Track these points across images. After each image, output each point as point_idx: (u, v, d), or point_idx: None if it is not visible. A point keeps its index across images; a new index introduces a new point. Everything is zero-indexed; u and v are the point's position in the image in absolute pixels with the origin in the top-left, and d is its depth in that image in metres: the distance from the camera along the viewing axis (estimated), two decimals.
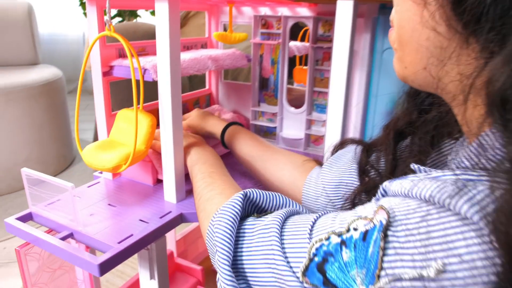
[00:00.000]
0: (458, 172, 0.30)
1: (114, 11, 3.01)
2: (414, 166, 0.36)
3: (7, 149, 1.79)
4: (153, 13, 3.10)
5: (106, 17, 0.62)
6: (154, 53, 0.71)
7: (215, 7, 1.00)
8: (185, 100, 1.00)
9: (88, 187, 0.76)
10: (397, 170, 0.51)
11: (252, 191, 0.46)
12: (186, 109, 1.01)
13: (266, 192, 0.46)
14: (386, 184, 0.34)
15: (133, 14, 3.16)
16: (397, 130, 0.52)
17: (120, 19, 3.22)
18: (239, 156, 0.75)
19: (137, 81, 0.64)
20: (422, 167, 0.35)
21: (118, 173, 0.80)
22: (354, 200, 0.54)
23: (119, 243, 0.58)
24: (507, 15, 0.29)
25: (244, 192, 0.45)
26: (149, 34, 1.68)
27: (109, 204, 0.69)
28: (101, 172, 0.80)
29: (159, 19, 0.61)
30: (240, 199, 0.43)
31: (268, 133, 1.05)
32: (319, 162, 0.67)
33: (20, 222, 0.63)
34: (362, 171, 0.56)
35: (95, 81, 0.74)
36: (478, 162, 0.32)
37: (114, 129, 0.70)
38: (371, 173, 0.55)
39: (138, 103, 0.65)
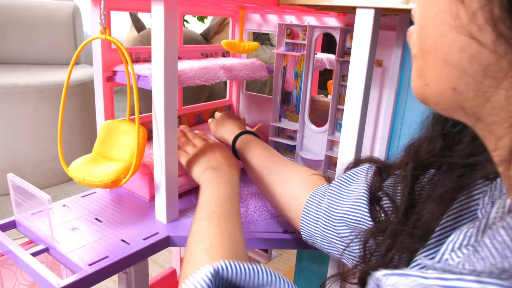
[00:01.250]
0: (483, 277, 0.20)
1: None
2: (424, 261, 0.28)
3: (37, 147, 1.83)
4: (200, 19, 3.11)
5: (101, 21, 0.58)
6: None
7: (238, 13, 0.95)
8: (201, 110, 0.95)
9: (82, 197, 0.72)
10: (413, 211, 0.42)
11: (228, 266, 0.34)
12: (201, 120, 0.96)
13: (248, 266, 0.35)
14: (379, 277, 0.25)
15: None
16: (418, 161, 0.42)
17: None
18: (247, 166, 0.69)
19: (138, 89, 0.59)
20: (434, 264, 0.26)
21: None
22: (366, 243, 0.46)
23: (90, 265, 0.52)
24: None
25: (215, 268, 0.34)
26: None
27: (96, 219, 0.65)
28: None
29: (154, 23, 0.56)
30: (208, 280, 0.33)
31: (287, 151, 0.97)
32: (328, 178, 0.59)
33: None
34: (373, 199, 0.47)
35: (96, 86, 0.70)
36: None
37: (99, 142, 0.66)
38: (384, 202, 0.46)
39: (134, 112, 0.60)
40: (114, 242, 0.58)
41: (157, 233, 0.61)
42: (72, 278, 0.50)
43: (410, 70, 0.72)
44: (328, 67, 1.05)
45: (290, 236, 0.63)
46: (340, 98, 0.87)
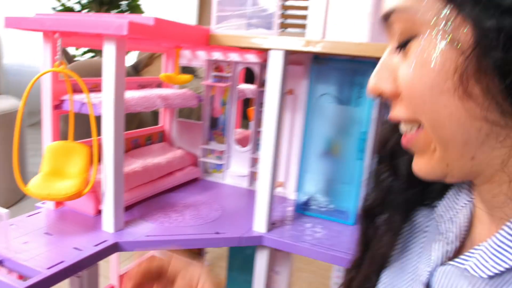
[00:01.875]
0: None
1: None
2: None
3: None
4: None
5: (58, 56, 0.67)
6: None
7: (173, 50, 1.08)
8: (137, 136, 1.04)
9: (28, 216, 0.77)
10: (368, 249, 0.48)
11: None
12: (138, 144, 1.06)
13: None
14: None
15: None
16: (370, 207, 0.48)
17: (92, 54, 3.27)
18: None
19: (83, 115, 0.68)
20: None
21: (61, 203, 0.82)
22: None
23: (48, 269, 0.60)
24: None
25: None
26: None
27: (45, 233, 0.71)
28: (43, 203, 0.82)
29: (106, 58, 0.66)
30: None
31: (216, 170, 1.10)
32: None
33: None
34: None
35: (44, 113, 0.78)
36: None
37: (47, 162, 0.73)
38: None
39: (93, 136, 0.69)
40: (67, 250, 0.66)
41: (106, 240, 0.70)
42: (33, 280, 0.57)
43: (315, 96, 0.88)
44: (250, 95, 1.21)
45: (221, 236, 0.75)
46: (260, 122, 1.03)
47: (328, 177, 0.94)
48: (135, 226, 0.76)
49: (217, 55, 1.06)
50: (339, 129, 0.91)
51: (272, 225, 0.82)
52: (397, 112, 0.36)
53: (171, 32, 0.70)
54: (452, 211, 0.40)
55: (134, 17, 0.63)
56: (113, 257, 1.09)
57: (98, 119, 0.71)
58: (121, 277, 1.11)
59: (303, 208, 0.92)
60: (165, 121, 1.13)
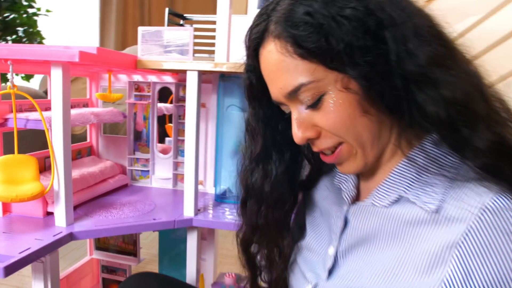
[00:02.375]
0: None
1: None
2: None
3: None
4: (27, 77, 3.09)
5: (10, 79, 0.80)
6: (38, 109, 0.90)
7: (96, 74, 1.23)
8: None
9: None
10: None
11: None
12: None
13: None
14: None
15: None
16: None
17: None
18: None
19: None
20: None
21: (7, 210, 0.93)
22: None
23: (20, 253, 0.73)
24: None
25: None
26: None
27: (3, 232, 0.83)
28: None
29: (54, 81, 0.81)
30: None
31: (142, 177, 1.26)
32: None
33: None
34: None
35: None
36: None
37: (1, 173, 0.84)
38: None
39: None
40: (30, 240, 0.78)
41: (61, 232, 0.83)
42: (10, 260, 0.69)
43: (223, 107, 1.11)
44: (165, 112, 1.40)
45: (158, 221, 0.93)
46: (179, 132, 1.23)
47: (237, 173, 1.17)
48: (83, 221, 0.90)
49: (137, 78, 1.24)
50: (244, 132, 1.15)
51: (198, 211, 1.02)
52: (323, 144, 0.52)
53: (108, 59, 0.87)
54: (345, 175, 0.61)
55: (80, 48, 0.80)
56: None
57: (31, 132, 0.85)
58: (62, 281, 1.20)
59: (221, 198, 1.14)
60: (92, 137, 1.26)
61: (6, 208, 0.93)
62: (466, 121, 0.44)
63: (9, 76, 0.81)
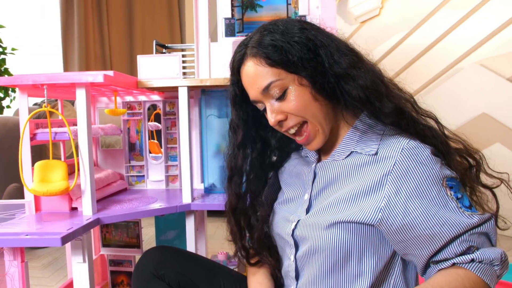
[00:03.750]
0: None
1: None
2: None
3: None
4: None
5: (45, 100, 1.03)
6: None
7: (93, 97, 1.46)
8: (72, 163, 1.37)
9: (19, 219, 1.07)
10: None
11: None
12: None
13: None
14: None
15: None
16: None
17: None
18: None
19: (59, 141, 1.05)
20: None
21: (38, 208, 1.13)
22: None
23: (67, 230, 0.94)
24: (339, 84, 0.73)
25: None
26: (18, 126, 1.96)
27: (45, 221, 1.03)
28: (23, 212, 1.12)
29: (79, 100, 1.05)
30: None
31: (138, 182, 1.49)
32: None
33: None
34: None
35: (24, 144, 1.10)
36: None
37: (37, 173, 1.06)
38: None
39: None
40: (69, 224, 1.00)
41: (90, 218, 1.05)
42: (64, 233, 0.91)
43: (205, 116, 1.38)
44: (150, 129, 1.64)
45: (164, 207, 1.17)
46: (168, 141, 1.47)
47: (221, 169, 1.42)
48: (104, 211, 1.12)
49: (129, 98, 1.48)
50: (223, 135, 1.42)
51: (193, 199, 1.26)
52: (289, 123, 0.76)
53: (120, 80, 1.12)
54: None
55: (100, 72, 1.04)
56: None
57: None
58: None
59: (209, 190, 1.39)
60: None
61: (37, 207, 1.13)
62: (376, 97, 0.74)
63: (43, 99, 1.04)
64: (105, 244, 1.45)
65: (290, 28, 0.75)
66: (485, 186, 0.79)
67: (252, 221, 0.92)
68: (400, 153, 0.70)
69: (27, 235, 0.93)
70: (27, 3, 3.60)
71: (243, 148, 0.89)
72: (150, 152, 1.64)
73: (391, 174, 0.70)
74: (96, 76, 1.01)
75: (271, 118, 0.77)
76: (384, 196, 0.69)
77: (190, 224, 1.25)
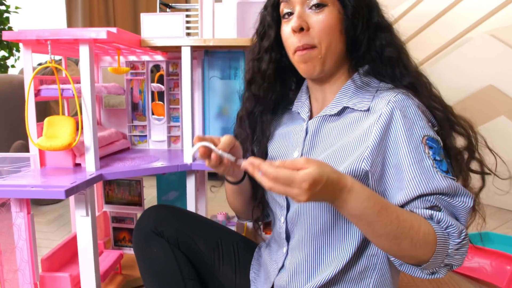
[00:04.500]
0: None
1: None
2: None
3: None
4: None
5: (50, 56, 1.03)
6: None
7: (96, 56, 1.46)
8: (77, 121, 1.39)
9: (25, 172, 1.10)
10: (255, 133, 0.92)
11: None
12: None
13: None
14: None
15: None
16: (248, 113, 0.92)
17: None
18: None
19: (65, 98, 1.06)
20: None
21: (43, 164, 1.15)
22: None
23: (71, 183, 0.97)
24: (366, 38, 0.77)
25: None
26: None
27: (50, 175, 1.06)
28: (28, 165, 1.14)
29: (82, 56, 1.05)
30: None
31: (140, 141, 1.51)
32: None
33: None
34: None
35: (30, 100, 1.11)
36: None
37: (46, 128, 1.08)
38: None
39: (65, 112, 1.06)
40: (73, 178, 1.02)
41: (93, 173, 1.08)
42: (67, 186, 0.93)
43: (208, 78, 1.38)
44: (152, 89, 1.64)
45: (166, 165, 1.19)
46: (170, 101, 1.48)
47: (222, 131, 1.44)
48: (106, 168, 1.15)
49: (132, 58, 1.48)
50: (225, 97, 1.42)
51: (194, 159, 1.28)
52: (305, 40, 0.75)
53: (123, 38, 1.12)
54: (301, 101, 0.88)
55: (104, 29, 1.04)
56: None
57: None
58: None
59: None
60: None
61: (42, 162, 1.15)
62: (401, 63, 0.78)
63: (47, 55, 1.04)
64: (108, 201, 1.48)
65: None
66: (474, 171, 0.78)
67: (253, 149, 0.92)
68: (387, 105, 0.71)
69: (32, 187, 0.96)
70: None
71: (270, 52, 0.86)
72: (153, 114, 1.66)
73: (376, 125, 0.71)
74: (99, 32, 1.01)
75: (296, 21, 0.75)
76: (368, 146, 0.70)
77: (190, 184, 1.28)
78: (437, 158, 0.68)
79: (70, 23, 3.63)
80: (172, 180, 1.63)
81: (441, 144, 0.71)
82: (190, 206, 1.29)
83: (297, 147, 0.83)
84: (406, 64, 0.79)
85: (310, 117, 0.85)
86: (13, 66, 3.23)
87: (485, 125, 2.29)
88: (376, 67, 0.78)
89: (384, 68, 0.78)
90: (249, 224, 1.43)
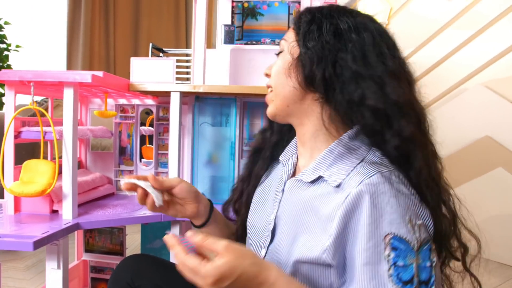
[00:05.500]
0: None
1: None
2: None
3: None
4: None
5: (32, 98, 1.00)
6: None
7: (85, 98, 1.43)
8: (61, 164, 1.34)
9: None
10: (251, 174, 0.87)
11: None
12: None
13: None
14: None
15: None
16: (253, 151, 0.87)
17: None
18: (221, 225, 0.92)
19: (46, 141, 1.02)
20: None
21: (18, 209, 1.09)
22: None
23: (42, 234, 0.90)
24: (330, 81, 0.65)
25: None
26: None
27: (21, 223, 0.99)
28: (1, 212, 1.08)
29: (66, 100, 1.02)
30: None
31: None
32: None
33: None
34: None
35: (7, 142, 1.06)
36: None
37: (23, 173, 1.03)
38: None
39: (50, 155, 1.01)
40: (46, 227, 0.96)
41: (69, 222, 1.01)
42: (37, 237, 0.87)
43: (198, 124, 1.35)
44: (143, 133, 1.61)
45: (148, 215, 1.13)
46: (159, 147, 1.44)
47: (212, 180, 1.39)
48: (85, 216, 1.08)
49: (122, 101, 1.45)
50: (215, 144, 1.38)
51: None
52: (268, 83, 0.76)
53: (110, 81, 1.09)
54: (288, 154, 0.80)
55: (89, 72, 1.01)
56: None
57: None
58: None
59: None
60: (81, 153, 1.45)
61: (17, 207, 1.09)
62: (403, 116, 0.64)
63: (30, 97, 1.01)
64: (88, 250, 1.40)
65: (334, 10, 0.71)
66: (457, 258, 0.70)
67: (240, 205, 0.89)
68: (356, 186, 0.59)
69: None
70: (34, 1, 3.62)
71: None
72: (143, 158, 1.61)
73: (340, 209, 0.60)
74: (84, 75, 0.98)
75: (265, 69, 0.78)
76: (331, 235, 0.60)
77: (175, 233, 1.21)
78: (399, 263, 0.56)
79: (70, 64, 3.67)
80: (157, 227, 1.55)
81: (415, 245, 0.57)
82: (173, 259, 1.21)
83: (274, 208, 0.76)
84: (401, 123, 0.63)
85: (294, 173, 0.78)
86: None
87: (482, 177, 2.24)
88: (365, 125, 0.65)
89: (371, 126, 0.64)
90: None
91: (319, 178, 0.68)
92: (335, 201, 0.62)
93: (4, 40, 2.98)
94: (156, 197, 0.77)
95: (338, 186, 0.63)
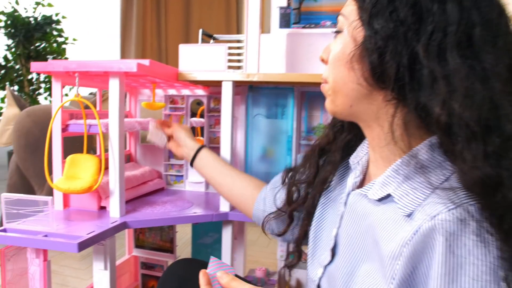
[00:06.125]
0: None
1: None
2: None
3: None
4: None
5: (76, 89, 0.94)
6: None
7: (135, 89, 1.37)
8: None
9: (44, 215, 0.99)
10: (317, 177, 0.72)
11: None
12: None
13: None
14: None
15: None
16: (320, 148, 0.72)
17: None
18: (208, 176, 0.98)
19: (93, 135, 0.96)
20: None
21: (67, 204, 1.05)
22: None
23: (87, 234, 0.84)
24: (404, 78, 0.48)
25: None
26: None
27: (69, 220, 0.95)
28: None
29: (112, 90, 0.95)
30: None
31: (176, 181, 1.38)
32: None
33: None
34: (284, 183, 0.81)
35: (55, 136, 1.02)
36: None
37: (67, 168, 0.98)
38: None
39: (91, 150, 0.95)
40: (93, 226, 0.90)
41: (116, 221, 0.95)
42: (82, 238, 0.81)
43: (251, 116, 1.24)
44: (194, 125, 1.53)
45: (198, 214, 1.05)
46: (210, 140, 1.35)
47: (266, 176, 1.28)
48: (133, 213, 1.02)
49: (171, 92, 1.38)
50: (270, 138, 1.27)
51: (232, 208, 1.13)
52: (323, 72, 0.61)
53: (157, 71, 1.01)
54: (359, 157, 0.66)
55: (135, 61, 0.94)
56: None
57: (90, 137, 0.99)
58: None
59: None
60: (131, 146, 1.40)
61: (66, 203, 1.05)
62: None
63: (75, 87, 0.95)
64: (138, 245, 1.36)
65: None
66: None
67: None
68: (429, 221, 0.45)
69: (45, 235, 0.85)
70: None
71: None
72: None
73: (406, 247, 0.46)
74: (129, 64, 0.90)
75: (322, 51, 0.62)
76: (394, 275, 0.47)
77: (226, 234, 1.13)
78: None
79: (124, 55, 3.71)
80: (208, 222, 1.48)
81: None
82: (226, 257, 1.13)
83: (335, 222, 0.65)
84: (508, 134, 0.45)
85: (363, 180, 0.64)
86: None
87: None
88: (444, 136, 0.48)
89: (453, 139, 0.47)
90: (292, 283, 1.25)
91: (388, 196, 0.53)
92: (402, 234, 0.47)
93: (62, 34, 3.05)
94: (160, 140, 1.07)
95: (409, 216, 0.49)
